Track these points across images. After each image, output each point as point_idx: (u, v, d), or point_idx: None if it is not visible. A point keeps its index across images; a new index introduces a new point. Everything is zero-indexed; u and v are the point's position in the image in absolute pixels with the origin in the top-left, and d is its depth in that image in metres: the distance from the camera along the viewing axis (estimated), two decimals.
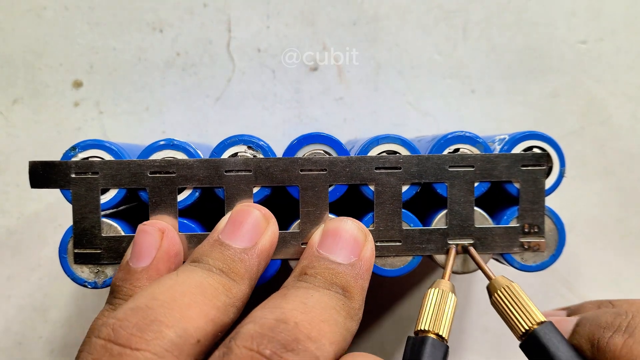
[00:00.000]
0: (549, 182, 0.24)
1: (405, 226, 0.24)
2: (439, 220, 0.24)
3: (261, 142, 0.23)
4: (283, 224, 0.24)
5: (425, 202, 0.25)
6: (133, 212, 0.26)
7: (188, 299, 0.18)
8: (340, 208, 0.24)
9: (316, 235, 0.22)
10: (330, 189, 0.23)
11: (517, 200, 0.24)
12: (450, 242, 0.24)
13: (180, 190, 0.23)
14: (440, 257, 0.24)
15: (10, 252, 0.34)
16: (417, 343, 0.20)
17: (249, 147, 0.23)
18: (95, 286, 0.23)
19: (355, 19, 0.35)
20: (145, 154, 0.23)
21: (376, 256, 0.23)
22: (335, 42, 0.35)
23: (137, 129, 0.35)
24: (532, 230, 0.24)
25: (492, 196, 0.24)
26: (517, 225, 0.24)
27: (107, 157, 0.23)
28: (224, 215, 0.23)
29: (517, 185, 0.24)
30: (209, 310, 0.18)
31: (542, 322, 0.21)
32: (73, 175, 0.23)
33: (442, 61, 0.36)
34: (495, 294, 0.22)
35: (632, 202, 0.36)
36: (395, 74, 0.36)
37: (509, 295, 0.22)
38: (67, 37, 0.34)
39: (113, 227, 0.23)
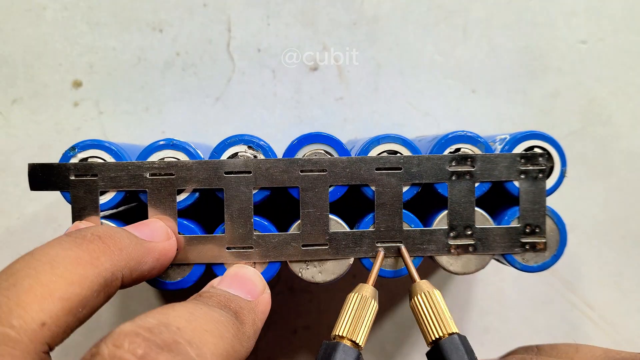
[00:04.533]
0: (550, 182, 0.24)
1: (406, 227, 0.23)
2: (440, 221, 0.24)
3: (261, 142, 0.23)
4: (283, 225, 0.24)
5: (426, 203, 0.25)
6: (132, 213, 0.26)
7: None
8: (341, 209, 0.24)
9: (216, 279, 0.22)
10: (330, 189, 0.23)
11: (518, 200, 0.24)
12: (379, 244, 0.23)
13: (180, 192, 0.23)
14: (441, 258, 0.24)
15: (10, 252, 0.34)
16: (329, 348, 0.20)
17: (249, 147, 0.23)
18: None
19: (355, 19, 0.35)
20: (144, 154, 0.23)
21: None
22: (335, 42, 0.35)
23: (137, 129, 0.35)
24: (533, 231, 0.24)
25: (493, 196, 0.24)
26: (518, 225, 0.24)
27: (107, 157, 0.23)
28: (223, 216, 0.23)
29: (518, 185, 0.24)
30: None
31: (452, 333, 0.20)
32: (72, 178, 0.23)
33: (442, 61, 0.36)
34: (415, 297, 0.21)
35: (633, 202, 0.36)
36: (395, 74, 0.36)
37: (427, 301, 0.21)
38: (67, 37, 0.34)
39: None
